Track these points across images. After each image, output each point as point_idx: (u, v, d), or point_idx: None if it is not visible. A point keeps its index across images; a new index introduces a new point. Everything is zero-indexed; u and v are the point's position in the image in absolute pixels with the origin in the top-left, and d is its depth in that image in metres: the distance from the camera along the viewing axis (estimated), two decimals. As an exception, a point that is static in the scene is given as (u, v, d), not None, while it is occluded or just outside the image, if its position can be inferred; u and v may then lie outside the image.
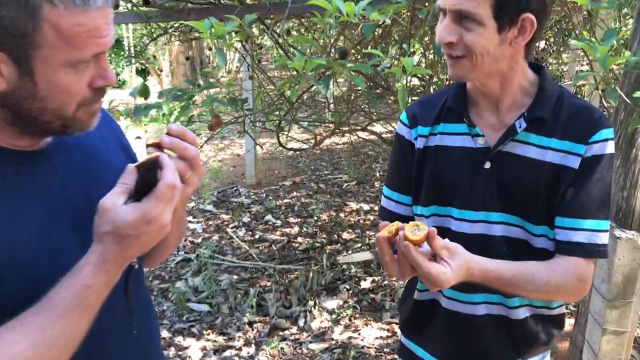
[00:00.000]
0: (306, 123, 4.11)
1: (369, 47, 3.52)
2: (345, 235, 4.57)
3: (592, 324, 1.86)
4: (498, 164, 1.17)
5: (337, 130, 3.55)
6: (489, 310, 1.23)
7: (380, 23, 1.93)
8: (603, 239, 1.13)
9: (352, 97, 4.38)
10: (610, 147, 1.13)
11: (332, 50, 2.76)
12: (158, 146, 0.85)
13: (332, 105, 4.75)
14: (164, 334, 3.23)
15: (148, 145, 0.86)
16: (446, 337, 1.28)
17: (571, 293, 1.15)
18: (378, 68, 1.74)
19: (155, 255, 1.11)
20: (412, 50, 3.23)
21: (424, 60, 3.65)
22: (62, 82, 0.78)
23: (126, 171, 0.82)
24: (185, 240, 4.67)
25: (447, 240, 1.04)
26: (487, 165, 1.18)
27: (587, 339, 1.92)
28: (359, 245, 4.34)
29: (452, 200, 1.22)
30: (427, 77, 3.45)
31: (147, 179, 0.80)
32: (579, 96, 1.83)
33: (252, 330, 3.24)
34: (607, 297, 1.76)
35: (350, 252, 4.23)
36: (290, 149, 4.54)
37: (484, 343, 1.25)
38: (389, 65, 1.72)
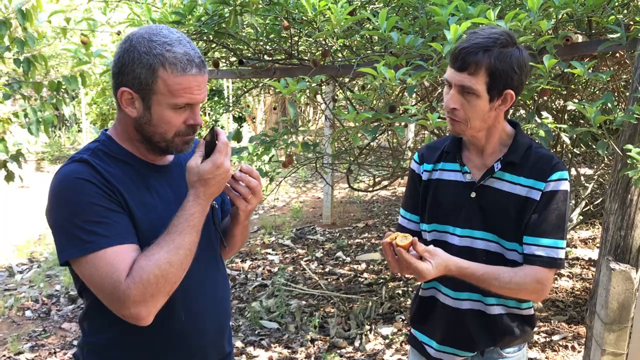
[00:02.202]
0: (373, 169, 4.57)
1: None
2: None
3: (595, 346, 2.13)
4: (481, 194, 1.57)
5: (397, 175, 3.97)
6: (471, 305, 1.60)
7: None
8: (559, 254, 1.49)
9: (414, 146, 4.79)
10: (564, 185, 1.50)
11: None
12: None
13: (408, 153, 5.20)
14: (238, 344, 3.72)
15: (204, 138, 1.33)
16: (441, 326, 1.66)
17: (531, 292, 1.49)
18: (411, 119, 2.19)
19: (229, 250, 1.59)
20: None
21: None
22: (166, 117, 1.27)
23: (199, 143, 1.31)
24: (263, 269, 5.21)
25: (431, 246, 1.45)
26: (473, 195, 1.57)
27: (591, 359, 2.18)
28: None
29: (447, 220, 1.62)
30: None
31: (210, 143, 1.30)
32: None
33: (314, 346, 3.66)
34: (605, 320, 2.04)
35: (402, 283, 4.56)
36: (358, 190, 5.00)
37: (467, 331, 1.61)
38: (419, 117, 2.17)
